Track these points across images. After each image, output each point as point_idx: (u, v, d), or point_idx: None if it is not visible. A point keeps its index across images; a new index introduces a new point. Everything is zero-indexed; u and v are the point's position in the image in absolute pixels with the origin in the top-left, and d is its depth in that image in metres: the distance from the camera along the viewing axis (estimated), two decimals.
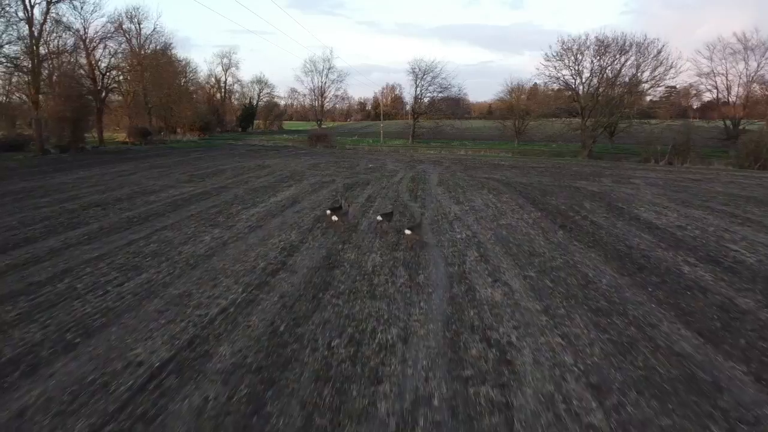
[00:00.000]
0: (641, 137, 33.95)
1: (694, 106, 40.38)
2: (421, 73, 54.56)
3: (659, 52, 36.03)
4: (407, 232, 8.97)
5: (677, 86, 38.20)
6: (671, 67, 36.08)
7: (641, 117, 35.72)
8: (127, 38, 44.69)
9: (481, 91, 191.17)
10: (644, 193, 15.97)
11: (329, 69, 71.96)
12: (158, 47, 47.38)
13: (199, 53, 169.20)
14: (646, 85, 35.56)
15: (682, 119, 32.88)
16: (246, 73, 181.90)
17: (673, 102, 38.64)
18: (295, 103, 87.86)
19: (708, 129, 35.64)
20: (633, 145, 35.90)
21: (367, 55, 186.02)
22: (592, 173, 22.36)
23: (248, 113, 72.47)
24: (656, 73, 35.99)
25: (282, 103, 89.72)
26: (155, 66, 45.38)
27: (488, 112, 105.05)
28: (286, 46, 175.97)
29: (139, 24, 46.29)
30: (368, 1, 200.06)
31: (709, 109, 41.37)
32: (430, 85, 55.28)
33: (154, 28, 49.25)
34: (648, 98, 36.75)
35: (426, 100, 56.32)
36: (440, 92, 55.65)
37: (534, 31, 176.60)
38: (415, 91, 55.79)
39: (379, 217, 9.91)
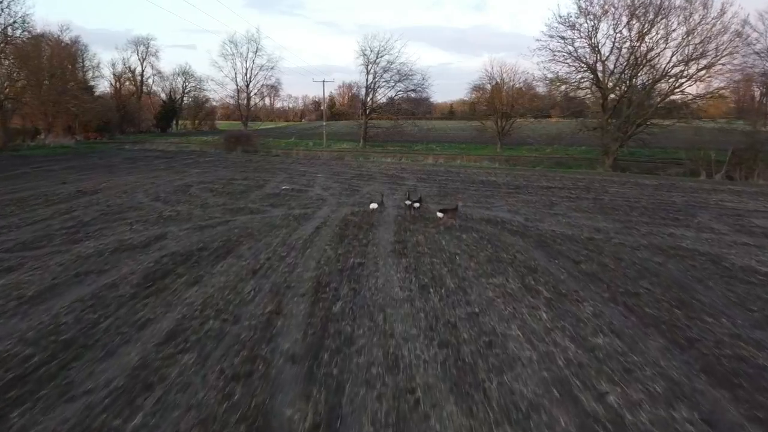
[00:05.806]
0: (659, 139, 24.52)
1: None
2: (373, 56, 41.30)
3: (722, 13, 22.57)
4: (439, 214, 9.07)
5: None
6: (738, 36, 22.93)
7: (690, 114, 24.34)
8: None
9: (441, 93, 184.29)
10: None
11: (256, 52, 55.53)
12: (8, 21, 34.11)
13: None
14: (698, 65, 22.99)
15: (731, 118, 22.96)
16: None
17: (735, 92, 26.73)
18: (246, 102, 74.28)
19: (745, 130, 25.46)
20: (656, 149, 26.51)
21: (327, 56, 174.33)
22: (665, 204, 12.95)
23: (168, 110, 59.30)
24: (718, 44, 22.63)
25: (231, 102, 76.08)
26: (1, 48, 32.68)
27: (450, 112, 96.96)
28: None
29: None
30: (328, 1, 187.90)
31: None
32: (385, 72, 41.94)
33: None
34: (695, 85, 24.95)
35: (381, 94, 43.33)
36: (399, 81, 42.30)
37: (492, 33, 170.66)
38: (367, 79, 42.17)
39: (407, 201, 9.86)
